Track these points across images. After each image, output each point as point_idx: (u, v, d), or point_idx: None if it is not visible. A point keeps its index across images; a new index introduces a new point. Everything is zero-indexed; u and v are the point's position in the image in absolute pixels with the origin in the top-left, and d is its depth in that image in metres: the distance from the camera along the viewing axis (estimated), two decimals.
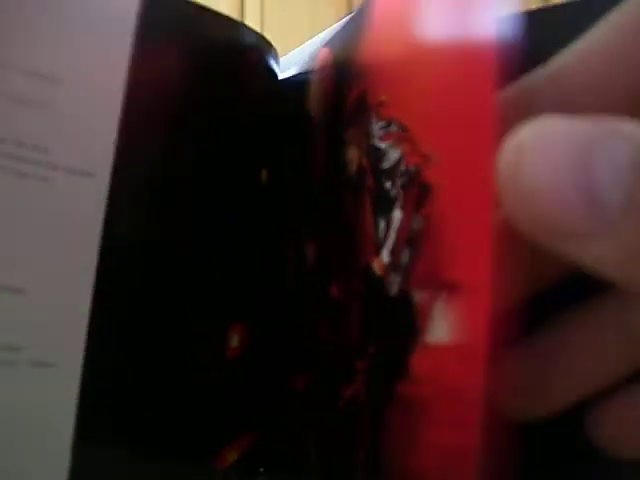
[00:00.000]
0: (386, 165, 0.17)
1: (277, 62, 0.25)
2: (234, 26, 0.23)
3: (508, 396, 0.16)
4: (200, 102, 0.22)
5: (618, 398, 0.16)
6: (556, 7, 0.21)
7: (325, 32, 0.41)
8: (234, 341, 0.22)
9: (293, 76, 0.25)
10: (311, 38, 0.39)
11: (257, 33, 0.24)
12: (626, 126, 0.11)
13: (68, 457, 0.17)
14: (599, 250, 0.11)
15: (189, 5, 0.22)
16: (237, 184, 0.23)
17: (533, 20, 0.22)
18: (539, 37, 0.21)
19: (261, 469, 0.23)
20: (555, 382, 0.16)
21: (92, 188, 0.18)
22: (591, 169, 0.11)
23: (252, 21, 1.18)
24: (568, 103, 0.15)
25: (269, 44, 0.25)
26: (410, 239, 0.16)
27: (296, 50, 0.38)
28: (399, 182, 0.16)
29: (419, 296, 0.16)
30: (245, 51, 0.23)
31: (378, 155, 0.17)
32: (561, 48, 0.18)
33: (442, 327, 0.15)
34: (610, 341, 0.16)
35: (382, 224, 0.17)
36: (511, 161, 0.12)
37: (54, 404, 0.18)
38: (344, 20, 0.23)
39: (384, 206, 0.17)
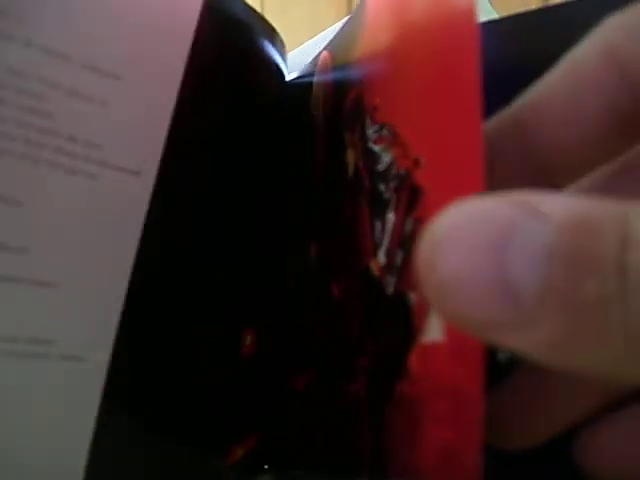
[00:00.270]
0: (380, 168, 0.17)
1: (285, 61, 0.26)
2: (255, 19, 0.23)
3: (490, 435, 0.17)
4: (228, 99, 0.22)
5: (603, 426, 0.16)
6: (556, 7, 0.21)
7: (325, 32, 0.41)
8: (248, 339, 0.22)
9: (297, 78, 0.25)
10: (311, 38, 0.39)
11: (273, 29, 0.24)
12: (544, 204, 0.11)
13: (85, 454, 0.18)
14: (520, 339, 0.11)
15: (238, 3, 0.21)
16: (252, 184, 0.23)
17: (533, 20, 0.22)
18: (539, 37, 0.21)
19: (265, 466, 0.23)
20: (535, 421, 0.17)
21: (137, 187, 0.18)
22: (504, 259, 0.10)
23: None
24: (532, 149, 0.16)
25: (282, 42, 0.25)
26: (403, 241, 0.16)
27: (296, 50, 0.39)
28: (392, 185, 0.16)
29: (415, 297, 0.16)
30: (262, 47, 0.23)
31: (373, 158, 0.18)
32: (561, 47, 0.18)
33: (437, 327, 0.15)
34: (581, 382, 0.16)
35: (378, 226, 0.17)
36: (425, 257, 0.11)
37: (78, 398, 0.18)
38: (344, 21, 0.23)
39: (379, 208, 0.17)
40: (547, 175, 0.16)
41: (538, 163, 0.16)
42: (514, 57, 0.22)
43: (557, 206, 0.10)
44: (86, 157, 0.17)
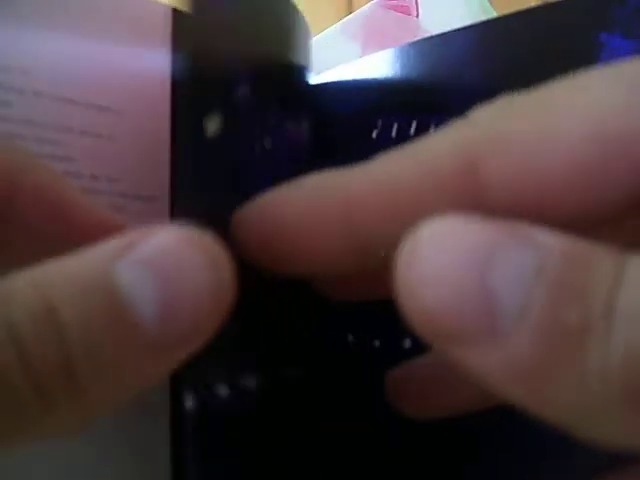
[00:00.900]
0: None
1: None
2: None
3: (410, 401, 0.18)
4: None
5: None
6: (556, 4, 0.21)
7: (325, 32, 0.41)
8: None
9: None
10: (311, 38, 0.39)
11: None
12: (540, 235, 0.10)
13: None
14: (484, 361, 0.10)
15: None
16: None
17: (533, 17, 0.22)
18: (540, 34, 0.21)
19: None
20: (444, 396, 0.17)
21: (157, 211, 0.19)
22: (489, 272, 0.10)
23: None
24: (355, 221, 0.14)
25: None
26: None
27: None
28: None
29: None
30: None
31: None
32: (560, 45, 0.18)
33: None
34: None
35: None
36: (408, 250, 0.11)
37: None
38: (344, 21, 0.23)
39: None
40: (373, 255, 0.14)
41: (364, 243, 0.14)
42: (514, 55, 0.22)
43: (553, 237, 0.10)
44: (109, 192, 0.18)
